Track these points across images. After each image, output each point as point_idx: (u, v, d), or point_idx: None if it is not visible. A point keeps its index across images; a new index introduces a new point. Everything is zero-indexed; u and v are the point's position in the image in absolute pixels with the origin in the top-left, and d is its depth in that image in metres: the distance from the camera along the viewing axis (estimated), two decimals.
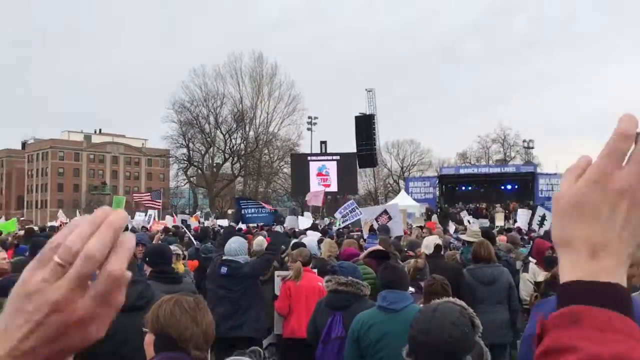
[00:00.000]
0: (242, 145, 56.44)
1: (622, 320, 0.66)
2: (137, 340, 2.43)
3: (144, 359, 2.35)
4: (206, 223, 18.72)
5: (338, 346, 4.11)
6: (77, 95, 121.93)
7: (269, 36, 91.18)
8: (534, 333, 2.31)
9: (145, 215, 21.00)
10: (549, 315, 0.69)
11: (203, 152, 56.07)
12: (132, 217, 20.41)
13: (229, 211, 52.08)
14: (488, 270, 6.56)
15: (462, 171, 47.24)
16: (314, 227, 15.66)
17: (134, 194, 23.79)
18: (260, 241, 8.03)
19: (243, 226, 21.48)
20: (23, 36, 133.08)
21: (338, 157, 43.70)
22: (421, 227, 14.86)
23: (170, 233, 12.96)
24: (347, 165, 42.27)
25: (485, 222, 24.51)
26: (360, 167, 43.50)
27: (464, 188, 46.15)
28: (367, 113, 42.48)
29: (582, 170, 0.71)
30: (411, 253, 8.03)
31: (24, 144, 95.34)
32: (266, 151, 57.39)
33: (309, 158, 45.41)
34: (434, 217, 21.25)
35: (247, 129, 56.62)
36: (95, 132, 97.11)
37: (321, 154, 45.93)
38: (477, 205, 40.43)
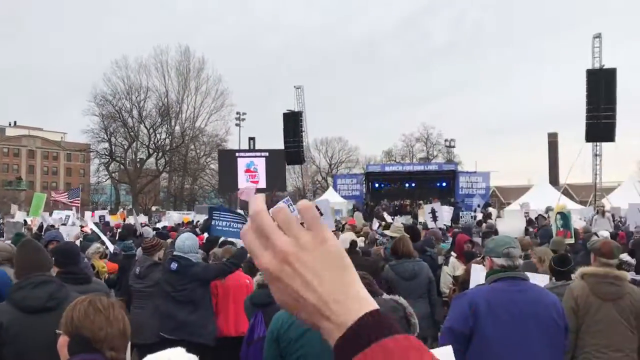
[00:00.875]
0: (167, 140, 55.07)
1: (394, 341, 0.66)
2: (48, 342, 2.33)
3: None
4: (131, 220, 18.14)
5: (261, 347, 4.05)
6: None
7: (196, 29, 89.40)
8: (454, 325, 2.39)
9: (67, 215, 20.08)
10: None
11: (126, 147, 54.25)
12: (51, 215, 19.47)
13: (153, 208, 50.80)
14: (409, 265, 6.70)
15: (387, 169, 48.21)
16: None
17: (55, 194, 22.65)
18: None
19: (166, 222, 21.06)
20: None
21: (267, 154, 43.48)
22: (342, 224, 15.01)
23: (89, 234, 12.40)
24: (276, 162, 42.14)
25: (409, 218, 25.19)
26: (288, 164, 43.51)
27: (389, 185, 47.17)
28: (296, 110, 42.55)
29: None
30: None
31: None
32: (192, 147, 56.29)
33: (237, 154, 44.90)
34: (356, 214, 21.56)
35: (173, 123, 55.35)
36: (9, 124, 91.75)
37: (249, 150, 45.55)
38: (402, 202, 41.47)
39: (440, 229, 13.75)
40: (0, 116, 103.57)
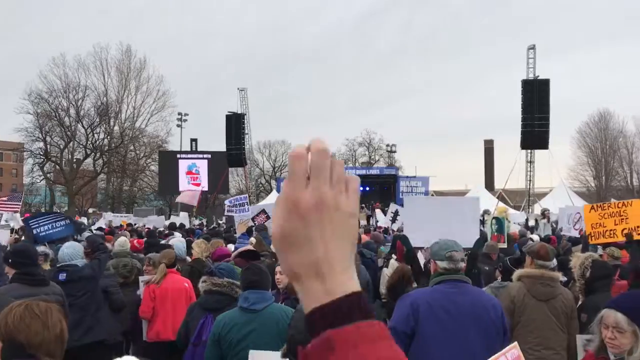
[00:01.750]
0: (106, 141, 53.40)
1: (369, 326, 0.68)
2: None
3: None
4: None
5: None
6: None
7: (137, 28, 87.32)
8: (397, 325, 2.48)
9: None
10: (308, 346, 0.69)
11: (62, 147, 52.20)
12: None
13: (90, 210, 49.15)
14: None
15: None
16: (173, 227, 15.29)
17: None
18: (122, 242, 7.71)
19: (103, 224, 20.43)
20: None
21: (209, 156, 42.95)
22: None
23: None
24: (218, 164, 41.67)
25: None
26: (230, 167, 43.14)
27: None
28: (239, 112, 42.26)
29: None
30: None
31: None
32: (132, 147, 54.79)
33: (178, 156, 44.13)
34: None
35: (112, 123, 53.71)
36: None
37: (191, 152, 44.88)
38: None
39: (399, 229, 13.99)
40: None
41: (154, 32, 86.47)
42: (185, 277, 6.45)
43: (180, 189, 40.32)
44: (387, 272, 7.93)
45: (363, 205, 40.37)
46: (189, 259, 7.58)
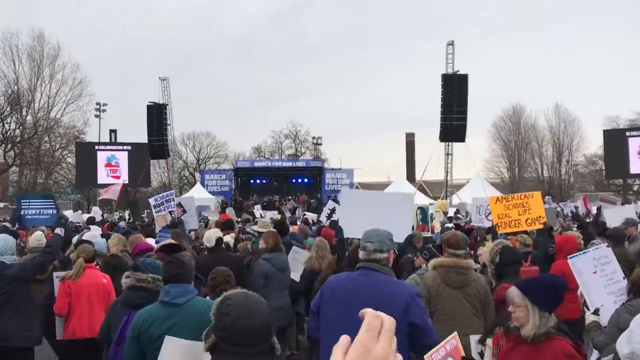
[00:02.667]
0: (18, 131, 50.50)
1: None
2: None
3: None
4: None
5: None
6: None
7: (50, 13, 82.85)
8: (312, 305, 2.63)
9: None
10: None
11: None
12: None
13: (1, 204, 46.38)
14: (283, 257, 7.07)
15: (256, 164, 48.42)
16: (91, 222, 14.81)
17: None
18: (38, 236, 7.39)
19: None
20: None
21: (129, 147, 41.58)
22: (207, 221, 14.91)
23: None
24: (139, 156, 40.43)
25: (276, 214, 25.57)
26: (152, 159, 41.99)
27: (258, 181, 47.42)
28: (161, 102, 41.18)
29: (346, 347, 0.93)
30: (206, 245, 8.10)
31: None
32: (47, 138, 52.11)
33: (96, 147, 42.41)
34: (228, 210, 21.49)
35: (24, 113, 50.77)
36: None
37: (110, 144, 43.28)
38: (271, 197, 41.92)
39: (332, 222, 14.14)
40: None
41: (69, 17, 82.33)
42: (102, 271, 6.28)
43: (99, 181, 38.90)
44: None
45: (290, 197, 40.55)
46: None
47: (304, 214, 23.49)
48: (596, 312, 4.49)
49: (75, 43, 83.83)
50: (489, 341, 3.94)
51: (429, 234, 10.39)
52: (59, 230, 6.46)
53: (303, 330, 8.31)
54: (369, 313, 0.96)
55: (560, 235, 8.63)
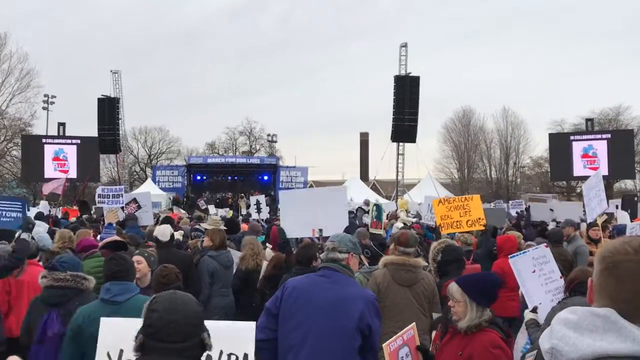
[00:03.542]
0: None
1: None
2: None
3: None
4: None
5: (56, 345, 3.89)
6: None
7: None
8: (269, 305, 2.68)
9: None
10: None
11: None
12: None
13: None
14: (229, 255, 7.04)
15: (210, 161, 47.88)
16: (39, 217, 14.35)
17: None
18: None
19: None
20: None
21: (78, 141, 40.38)
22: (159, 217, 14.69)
23: None
24: (89, 151, 39.33)
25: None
26: (102, 153, 40.97)
27: (211, 178, 46.92)
28: (112, 96, 40.21)
29: None
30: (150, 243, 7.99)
31: None
32: None
33: (44, 140, 40.96)
34: (175, 209, 21.24)
35: None
36: None
37: (59, 137, 41.87)
38: (224, 194, 41.57)
39: (259, 220, 14.10)
40: None
41: (18, 7, 79.25)
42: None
43: (46, 175, 37.64)
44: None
45: (243, 194, 40.30)
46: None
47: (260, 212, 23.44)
48: (534, 310, 4.64)
49: (25, 34, 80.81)
50: (433, 334, 4.08)
51: (381, 232, 10.54)
52: (25, 235, 6.14)
53: None
54: None
55: (501, 235, 8.94)
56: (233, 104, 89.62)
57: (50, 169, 38.77)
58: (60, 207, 23.87)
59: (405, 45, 36.05)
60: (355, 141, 64.70)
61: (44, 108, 48.66)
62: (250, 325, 2.80)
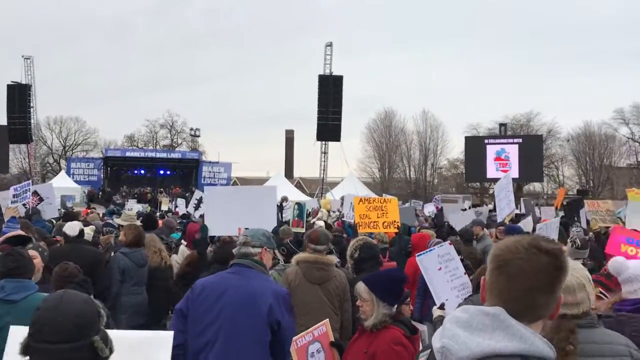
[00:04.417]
0: None
1: None
2: None
3: None
4: None
5: None
6: None
7: None
8: (180, 305, 2.56)
9: None
10: None
11: None
12: None
13: None
14: (143, 253, 6.82)
15: (128, 154, 46.37)
16: None
17: None
18: None
19: None
20: None
21: None
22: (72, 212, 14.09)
23: None
24: None
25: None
26: (11, 143, 38.69)
27: (130, 172, 45.45)
28: (23, 82, 38.03)
29: None
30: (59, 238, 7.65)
31: None
32: None
33: None
34: (93, 205, 20.44)
35: None
36: None
37: None
38: (143, 189, 40.39)
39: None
40: None
41: None
42: None
43: None
44: (176, 259, 7.90)
45: (162, 189, 39.31)
46: None
47: (176, 207, 22.92)
48: (442, 306, 4.77)
49: None
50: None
51: (302, 230, 10.58)
52: None
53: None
54: None
55: (416, 233, 9.22)
56: (154, 97, 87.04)
57: None
58: None
59: (330, 45, 36.38)
60: (281, 138, 64.67)
61: None
62: (168, 335, 2.71)
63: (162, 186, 41.21)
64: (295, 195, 28.20)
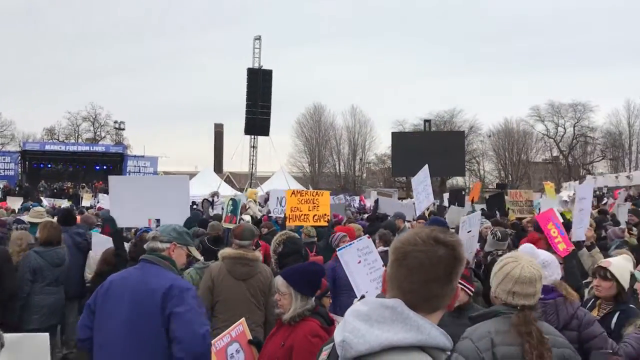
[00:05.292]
0: None
1: None
2: None
3: None
4: None
5: None
6: None
7: None
8: (89, 300, 2.49)
9: None
10: None
11: None
12: None
13: None
14: (59, 251, 6.61)
15: (48, 148, 44.39)
16: None
17: None
18: None
19: None
20: None
21: None
22: None
23: None
24: None
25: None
26: None
27: (50, 166, 43.51)
28: None
29: None
30: None
31: None
32: None
33: None
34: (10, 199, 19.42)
35: None
36: None
37: None
38: (63, 184, 38.80)
39: None
40: None
41: None
42: None
43: None
44: (92, 255, 7.59)
45: (84, 184, 37.89)
46: None
47: (98, 202, 22.19)
48: (362, 299, 4.91)
49: None
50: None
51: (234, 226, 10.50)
52: None
53: None
54: None
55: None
56: (76, 88, 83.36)
57: None
58: None
59: (259, 38, 36.17)
60: (209, 132, 63.70)
61: None
62: (44, 337, 2.65)
63: (85, 181, 39.69)
64: (224, 190, 27.91)
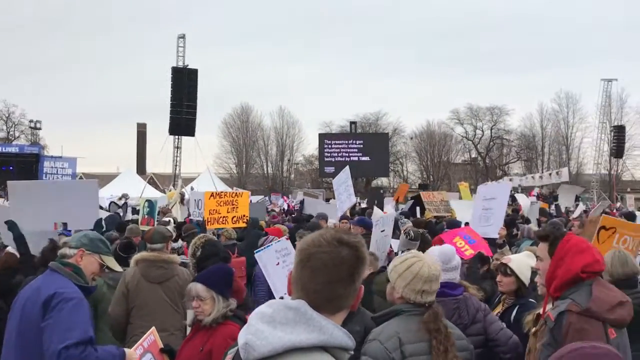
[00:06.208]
0: None
1: None
2: None
3: None
4: None
5: None
6: None
7: None
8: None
9: None
10: None
11: None
12: None
13: None
14: None
15: None
16: None
17: None
18: None
19: None
20: None
21: None
22: None
23: None
24: None
25: None
26: None
27: None
28: None
29: None
30: None
31: None
32: None
33: None
34: None
35: None
36: None
37: None
38: None
39: None
40: None
41: None
42: None
43: None
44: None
45: None
46: None
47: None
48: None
49: None
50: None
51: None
52: None
53: None
54: None
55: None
56: None
57: None
58: None
59: (183, 37, 35.42)
60: (132, 132, 61.78)
61: None
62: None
63: None
64: (147, 192, 27.15)
